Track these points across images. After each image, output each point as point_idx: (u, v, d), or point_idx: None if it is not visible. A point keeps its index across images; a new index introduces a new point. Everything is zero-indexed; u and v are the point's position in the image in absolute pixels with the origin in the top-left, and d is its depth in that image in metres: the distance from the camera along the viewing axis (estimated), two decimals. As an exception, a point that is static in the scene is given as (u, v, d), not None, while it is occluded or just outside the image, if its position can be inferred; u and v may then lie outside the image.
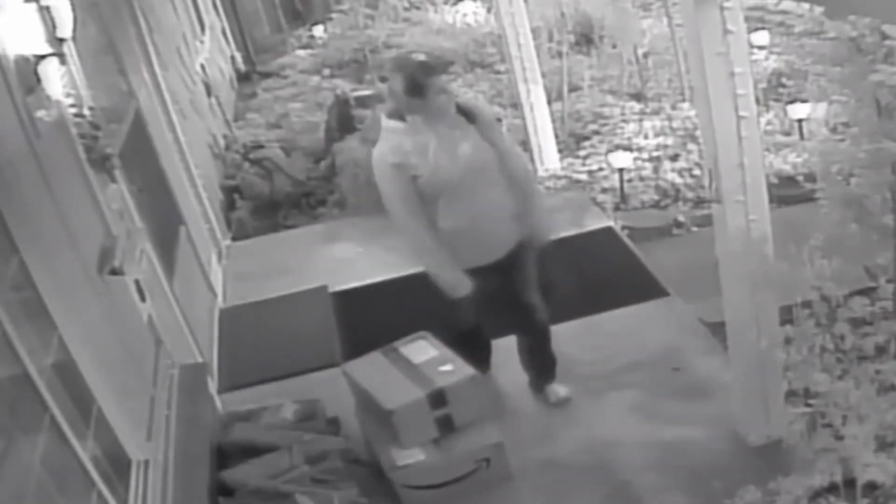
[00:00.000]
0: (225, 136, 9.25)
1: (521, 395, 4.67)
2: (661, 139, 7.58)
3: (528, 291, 4.34)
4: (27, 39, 3.68)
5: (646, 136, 7.68)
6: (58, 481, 2.79)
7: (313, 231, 7.37)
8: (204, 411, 4.25)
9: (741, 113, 3.48)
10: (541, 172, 7.16)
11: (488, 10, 11.42)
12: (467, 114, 4.13)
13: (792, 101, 7.44)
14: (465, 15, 12.31)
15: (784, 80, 8.19)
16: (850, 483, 3.55)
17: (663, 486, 3.95)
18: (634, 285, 5.50)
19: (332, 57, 12.17)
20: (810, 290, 4.06)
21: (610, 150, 7.36)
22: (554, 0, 9.40)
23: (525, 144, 7.27)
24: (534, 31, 7.32)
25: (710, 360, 4.67)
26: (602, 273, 5.57)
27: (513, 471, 4.14)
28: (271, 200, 7.98)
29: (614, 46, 9.57)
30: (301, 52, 13.12)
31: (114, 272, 3.71)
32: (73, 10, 4.04)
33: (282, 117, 9.92)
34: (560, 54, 8.54)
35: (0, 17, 3.42)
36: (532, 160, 7.03)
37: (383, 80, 10.45)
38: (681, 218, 6.39)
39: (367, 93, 9.23)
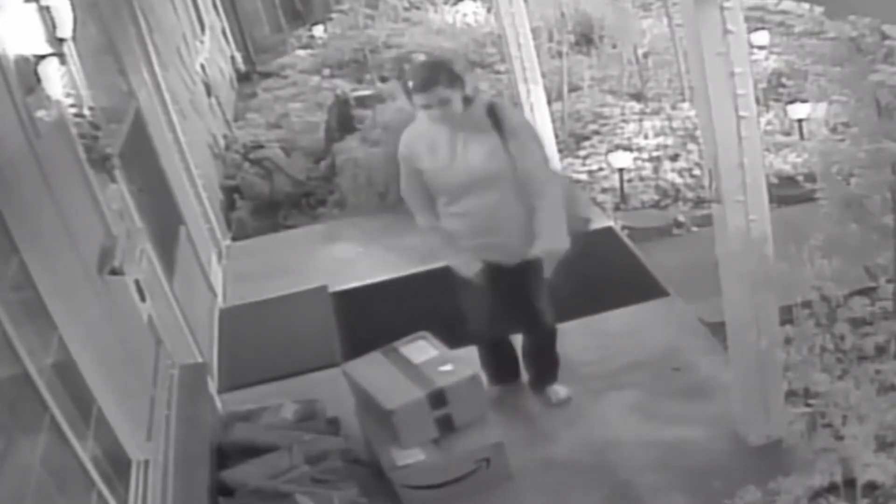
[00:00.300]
0: (225, 136, 9.25)
1: (521, 395, 4.67)
2: (661, 139, 7.59)
3: (537, 296, 4.29)
4: (27, 39, 3.68)
5: (646, 136, 7.68)
6: (58, 481, 2.79)
7: (313, 231, 7.37)
8: (204, 411, 4.25)
9: (741, 113, 3.48)
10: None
11: (488, 10, 11.43)
12: (495, 119, 3.98)
13: (792, 101, 7.45)
14: (465, 15, 12.33)
15: (784, 80, 8.20)
16: (850, 483, 3.55)
17: (663, 486, 3.95)
18: (634, 285, 5.50)
19: (332, 57, 12.18)
20: (810, 290, 4.06)
21: (610, 150, 7.37)
22: (554, 0, 9.40)
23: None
24: (534, 31, 7.32)
25: (710, 360, 4.67)
26: (602, 273, 5.57)
27: (513, 471, 4.14)
28: (271, 200, 7.99)
29: (614, 46, 9.58)
30: (301, 52, 13.13)
31: (114, 272, 3.71)
32: (73, 10, 4.04)
33: (282, 117, 9.93)
34: (560, 54, 8.55)
35: (0, 17, 3.42)
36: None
37: (383, 80, 10.50)
38: (681, 218, 6.40)
39: (367, 93, 9.25)
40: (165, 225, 5.54)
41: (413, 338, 4.37)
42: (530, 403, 4.61)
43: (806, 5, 7.74)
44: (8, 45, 3.41)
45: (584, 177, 7.26)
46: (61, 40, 3.97)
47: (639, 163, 7.19)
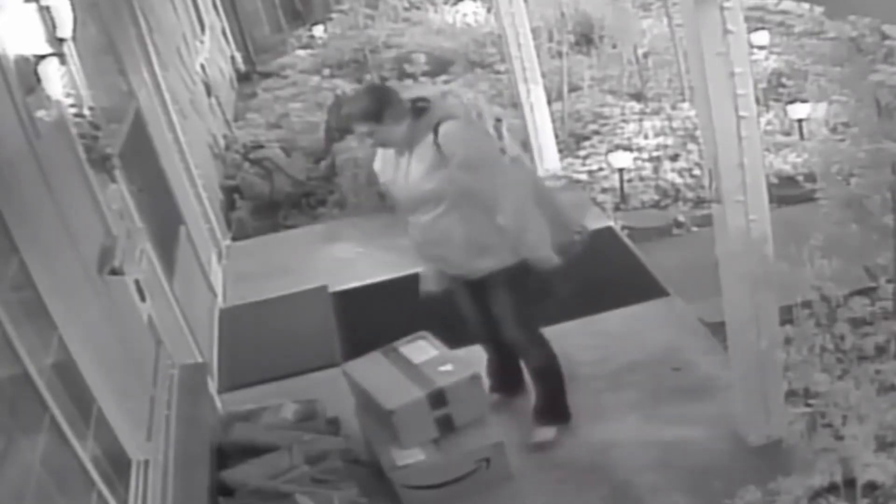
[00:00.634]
0: (225, 136, 9.25)
1: (521, 395, 4.66)
2: (661, 139, 7.59)
3: (500, 311, 4.18)
4: (27, 39, 3.68)
5: (646, 136, 7.68)
6: (58, 481, 2.79)
7: (313, 231, 7.37)
8: (204, 411, 4.25)
9: (741, 113, 3.48)
10: (540, 172, 7.16)
11: (488, 10, 11.43)
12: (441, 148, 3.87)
13: (792, 101, 7.45)
14: (465, 15, 12.32)
15: (784, 80, 8.19)
16: (850, 483, 3.55)
17: (663, 486, 3.95)
18: (634, 285, 5.50)
19: (332, 57, 12.18)
20: (810, 290, 4.05)
21: (610, 150, 7.36)
22: (554, 0, 9.40)
23: (525, 144, 7.27)
24: (534, 31, 7.32)
25: (710, 360, 4.67)
26: (602, 273, 5.57)
27: (513, 471, 4.14)
28: (271, 200, 7.99)
29: (614, 46, 9.57)
30: (301, 52, 13.13)
31: (114, 272, 3.71)
32: (73, 10, 4.04)
33: (282, 117, 9.92)
34: (560, 54, 8.55)
35: (0, 17, 3.41)
36: (532, 160, 7.02)
37: (383, 80, 10.49)
38: (681, 218, 6.40)
39: (367, 93, 9.23)
40: (165, 225, 5.54)
41: (413, 338, 4.37)
42: (530, 404, 4.61)
43: (806, 5, 7.74)
44: (8, 45, 3.41)
45: (584, 177, 7.26)
46: (61, 40, 3.97)
47: (639, 163, 7.19)
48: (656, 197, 6.78)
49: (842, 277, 4.13)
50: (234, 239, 7.39)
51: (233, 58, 13.03)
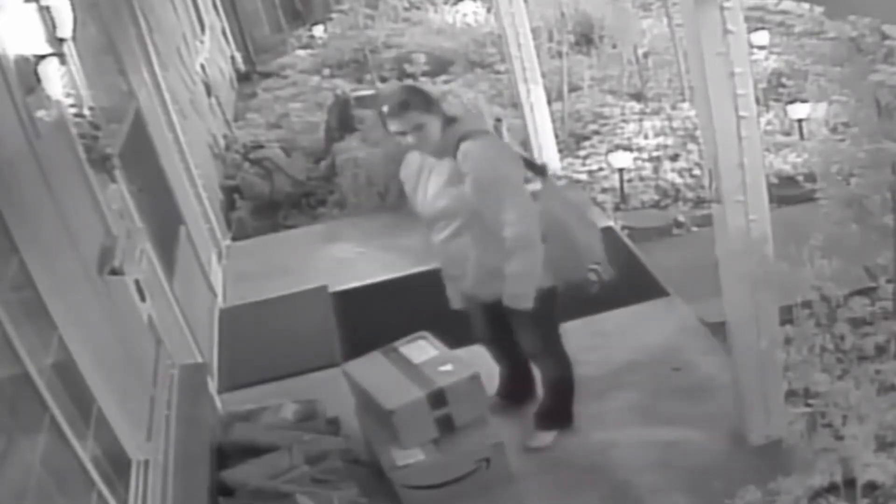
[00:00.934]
0: (225, 136, 9.26)
1: (529, 403, 4.66)
2: (661, 139, 7.60)
3: (519, 333, 4.10)
4: (27, 39, 3.68)
5: (646, 136, 7.69)
6: (58, 481, 2.79)
7: (313, 231, 7.37)
8: (204, 411, 4.25)
9: (741, 113, 3.47)
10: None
11: (488, 10, 11.44)
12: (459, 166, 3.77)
13: (792, 101, 7.45)
14: (465, 15, 12.33)
15: (784, 80, 8.20)
16: (850, 483, 3.55)
17: (663, 486, 3.95)
18: (634, 285, 5.50)
19: (332, 57, 12.19)
20: (810, 290, 4.05)
21: (610, 150, 7.37)
22: (554, 0, 9.40)
23: (525, 144, 7.28)
24: (534, 31, 7.33)
25: (710, 360, 4.67)
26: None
27: (513, 471, 4.14)
28: (271, 200, 7.99)
29: (614, 46, 9.58)
30: (301, 52, 13.14)
31: (114, 272, 3.71)
32: (73, 10, 4.04)
33: (282, 117, 9.93)
34: (560, 54, 8.55)
35: (0, 17, 3.41)
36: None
37: (383, 80, 10.50)
38: (681, 218, 6.40)
39: (367, 93, 9.25)
40: (165, 225, 5.54)
41: (413, 338, 4.37)
42: (530, 404, 4.61)
43: (806, 5, 7.74)
44: (8, 45, 3.41)
45: (584, 177, 7.27)
46: (61, 40, 3.97)
47: (639, 163, 7.19)
48: (656, 197, 6.79)
49: (842, 277, 4.13)
50: (234, 239, 7.39)
51: (233, 58, 13.03)
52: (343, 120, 8.50)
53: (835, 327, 4.13)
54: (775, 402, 3.97)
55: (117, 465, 3.32)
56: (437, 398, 4.03)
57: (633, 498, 3.94)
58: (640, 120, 8.02)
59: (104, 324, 3.59)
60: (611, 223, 6.37)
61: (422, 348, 4.29)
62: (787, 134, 7.28)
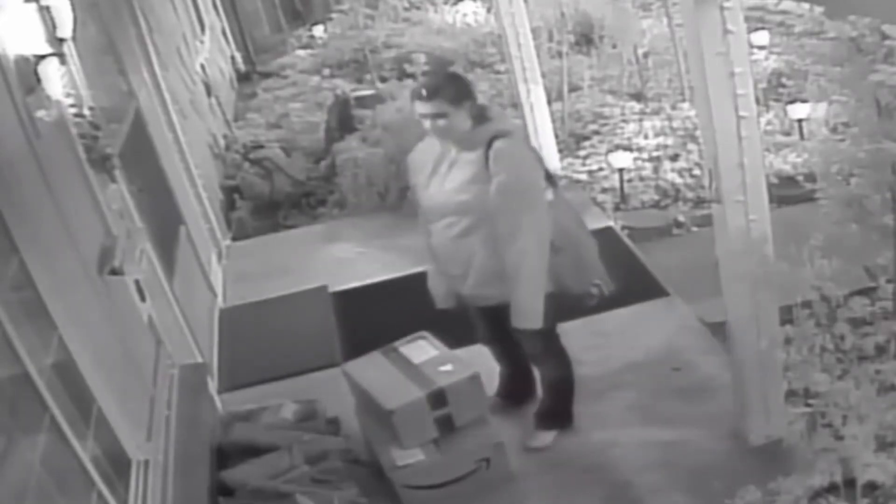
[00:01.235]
0: (225, 136, 9.26)
1: (528, 404, 4.66)
2: (661, 139, 7.60)
3: (524, 339, 4.04)
4: (27, 39, 3.68)
5: (646, 136, 7.69)
6: (58, 481, 2.79)
7: (313, 231, 7.37)
8: (204, 411, 4.25)
9: (741, 113, 3.47)
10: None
11: (488, 10, 11.44)
12: (489, 163, 3.69)
13: (792, 101, 7.46)
14: (465, 15, 12.33)
15: (784, 80, 8.20)
16: (850, 483, 3.55)
17: (663, 486, 3.95)
18: (634, 285, 5.49)
19: (332, 57, 12.19)
20: (810, 290, 4.05)
21: (610, 150, 7.37)
22: (554, 0, 9.40)
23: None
24: (534, 31, 7.32)
25: (710, 360, 4.67)
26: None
27: (513, 471, 4.14)
28: (271, 200, 7.99)
29: (614, 46, 9.58)
30: (301, 52, 13.14)
31: (114, 272, 3.71)
32: (73, 10, 4.04)
33: (282, 117, 9.94)
34: (560, 54, 8.55)
35: (0, 17, 3.41)
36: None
37: (383, 80, 10.50)
38: (681, 218, 6.40)
39: (367, 93, 9.27)
40: (165, 225, 5.54)
41: (413, 338, 4.37)
42: (530, 404, 4.61)
43: (806, 5, 7.74)
44: (8, 45, 3.41)
45: (584, 177, 7.27)
46: (61, 40, 3.96)
47: (639, 163, 7.19)
48: (656, 197, 6.79)
49: (842, 277, 4.12)
50: (234, 239, 7.39)
51: (233, 58, 13.03)
52: (343, 120, 8.50)
53: (835, 327, 4.13)
54: (775, 402, 3.97)
55: (117, 465, 3.32)
56: (437, 398, 4.02)
57: (633, 498, 3.94)
58: (640, 120, 8.02)
59: (104, 324, 3.59)
60: (611, 223, 6.37)
61: (422, 348, 4.29)
62: (787, 134, 7.28)
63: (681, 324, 5.08)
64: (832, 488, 3.58)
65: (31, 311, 3.03)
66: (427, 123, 3.74)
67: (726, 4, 3.30)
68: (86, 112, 4.17)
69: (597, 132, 7.99)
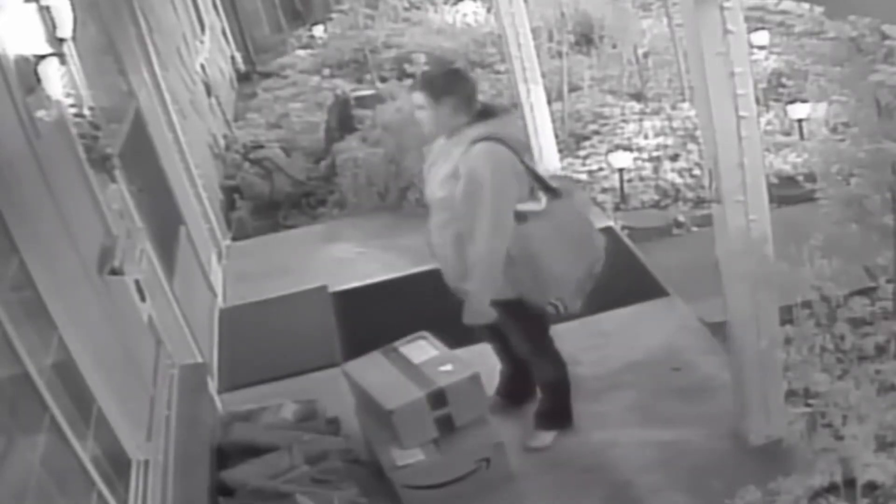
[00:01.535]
0: (225, 136, 9.26)
1: (528, 403, 4.66)
2: (661, 139, 7.60)
3: (511, 337, 4.15)
4: (27, 39, 3.68)
5: (646, 136, 7.69)
6: (58, 481, 2.79)
7: (313, 231, 7.38)
8: (204, 411, 4.25)
9: (741, 113, 3.47)
10: (540, 172, 7.15)
11: (488, 10, 11.44)
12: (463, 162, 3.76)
13: (792, 101, 7.46)
14: (465, 15, 12.33)
15: (784, 80, 8.20)
16: (850, 483, 3.55)
17: (663, 486, 3.95)
18: (634, 285, 5.50)
19: (332, 57, 12.19)
20: (810, 290, 4.05)
21: (610, 150, 7.37)
22: (554, 0, 9.40)
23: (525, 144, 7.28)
24: (534, 31, 7.32)
25: (710, 360, 4.67)
26: (602, 273, 5.55)
27: (513, 471, 4.14)
28: (271, 200, 7.99)
29: (614, 46, 9.58)
30: (301, 52, 13.14)
31: (114, 272, 3.71)
32: (73, 10, 4.04)
33: (282, 117, 9.93)
34: (560, 54, 8.55)
35: (0, 17, 3.41)
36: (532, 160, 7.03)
37: (383, 80, 10.50)
38: (681, 218, 6.40)
39: (367, 93, 9.27)
40: (165, 225, 5.54)
41: (413, 338, 4.37)
42: (530, 404, 4.61)
43: (806, 5, 7.73)
44: (8, 45, 3.41)
45: (584, 177, 7.27)
46: (61, 40, 3.97)
47: (639, 163, 7.19)
48: (656, 197, 6.79)
49: (842, 277, 4.12)
50: (234, 239, 7.39)
51: (233, 58, 13.04)
52: (343, 120, 8.50)
53: (835, 327, 4.12)
54: (775, 402, 3.97)
55: (117, 465, 3.32)
56: (437, 398, 4.03)
57: (633, 498, 3.94)
58: (640, 120, 8.01)
59: (104, 324, 3.59)
60: (611, 223, 6.37)
61: (422, 348, 4.29)
62: (787, 134, 7.28)
63: (681, 324, 5.08)
64: (832, 488, 3.58)
65: (31, 311, 3.03)
66: (419, 113, 3.87)
67: (726, 4, 3.30)
68: (86, 112, 4.17)
69: (597, 132, 7.99)
